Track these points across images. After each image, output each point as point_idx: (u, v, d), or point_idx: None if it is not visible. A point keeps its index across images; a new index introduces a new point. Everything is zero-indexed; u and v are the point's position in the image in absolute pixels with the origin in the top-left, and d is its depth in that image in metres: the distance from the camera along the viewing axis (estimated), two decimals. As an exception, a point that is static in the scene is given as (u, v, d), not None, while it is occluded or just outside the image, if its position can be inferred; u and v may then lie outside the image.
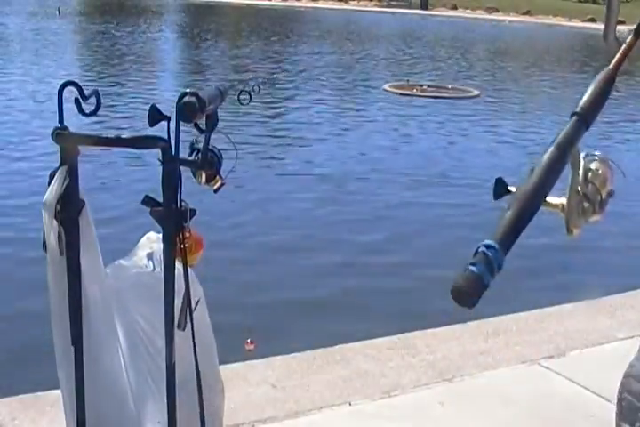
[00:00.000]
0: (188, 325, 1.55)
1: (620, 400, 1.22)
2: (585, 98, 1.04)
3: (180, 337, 1.54)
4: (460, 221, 6.26)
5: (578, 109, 1.03)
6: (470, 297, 0.87)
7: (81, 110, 1.46)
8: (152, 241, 1.65)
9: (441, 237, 5.87)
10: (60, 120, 1.46)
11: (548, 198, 1.01)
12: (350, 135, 9.66)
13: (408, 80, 13.79)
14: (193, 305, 1.55)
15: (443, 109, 11.81)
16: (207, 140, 1.55)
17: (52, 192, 1.45)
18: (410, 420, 2.66)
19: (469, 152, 9.07)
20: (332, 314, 4.33)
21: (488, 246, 0.88)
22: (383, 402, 2.78)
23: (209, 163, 1.55)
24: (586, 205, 1.03)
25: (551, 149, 0.99)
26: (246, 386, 2.83)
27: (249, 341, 3.34)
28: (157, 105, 1.45)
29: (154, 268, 1.62)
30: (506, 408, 2.76)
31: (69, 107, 1.46)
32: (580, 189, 1.02)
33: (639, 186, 7.05)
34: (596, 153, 1.05)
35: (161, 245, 1.53)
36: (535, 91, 14.91)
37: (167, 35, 23.29)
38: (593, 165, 1.04)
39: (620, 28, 12.68)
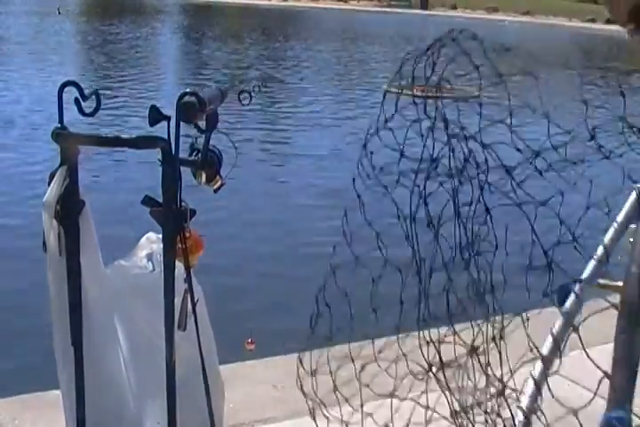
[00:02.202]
0: (189, 325, 1.55)
1: None
2: None
3: (180, 337, 1.54)
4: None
5: None
6: None
7: (81, 110, 1.46)
8: (152, 241, 1.65)
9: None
10: (60, 120, 1.46)
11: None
12: (350, 135, 9.66)
13: (408, 80, 13.80)
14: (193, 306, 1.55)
15: (442, 109, 11.80)
16: (207, 141, 1.55)
17: (52, 192, 1.44)
18: (410, 420, 2.65)
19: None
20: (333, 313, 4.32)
21: (619, 419, 0.79)
22: (383, 402, 2.77)
23: (209, 163, 1.55)
24: None
25: None
26: (246, 386, 2.83)
27: (249, 340, 3.34)
28: (157, 105, 1.45)
29: (154, 268, 1.61)
30: (506, 408, 2.76)
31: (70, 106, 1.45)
32: None
33: None
34: None
35: (161, 246, 1.53)
36: (535, 90, 14.91)
37: (167, 34, 23.28)
38: None
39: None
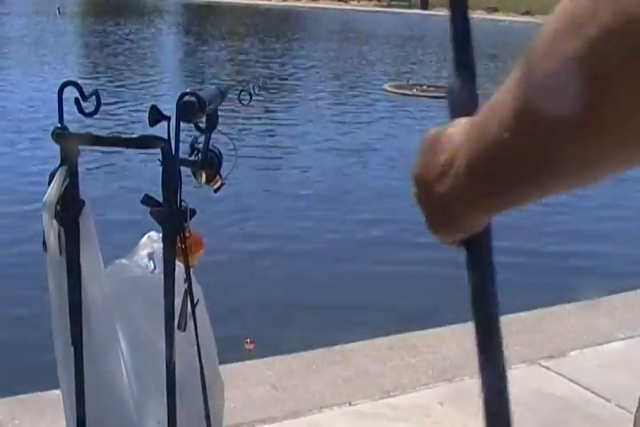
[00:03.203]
0: (189, 325, 1.55)
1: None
2: None
3: (181, 337, 1.54)
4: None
5: None
6: None
7: (81, 110, 1.46)
8: (153, 241, 1.65)
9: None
10: (60, 120, 1.46)
11: None
12: (350, 135, 9.67)
13: (408, 80, 13.81)
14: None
15: (443, 109, 11.81)
16: (207, 141, 1.55)
17: (52, 192, 1.44)
18: (410, 420, 2.66)
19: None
20: (333, 314, 4.33)
21: None
22: (383, 402, 2.78)
23: (209, 163, 1.55)
24: None
25: None
26: (246, 386, 2.83)
27: (248, 340, 3.34)
28: (157, 105, 1.45)
29: (155, 267, 1.61)
30: (506, 408, 2.76)
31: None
32: None
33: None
34: None
35: (162, 245, 1.53)
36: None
37: (167, 34, 23.28)
38: None
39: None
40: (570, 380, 2.96)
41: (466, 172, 0.55)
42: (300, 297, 4.62)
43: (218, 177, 1.58)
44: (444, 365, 3.06)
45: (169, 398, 1.55)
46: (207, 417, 1.61)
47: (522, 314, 3.62)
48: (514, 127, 0.48)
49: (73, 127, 1.48)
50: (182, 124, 1.45)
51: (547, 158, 0.48)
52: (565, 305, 3.79)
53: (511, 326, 3.44)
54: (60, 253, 1.48)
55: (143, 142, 1.46)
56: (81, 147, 1.48)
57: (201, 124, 1.54)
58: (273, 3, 39.05)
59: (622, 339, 3.33)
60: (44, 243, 1.49)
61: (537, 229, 6.01)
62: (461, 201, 0.58)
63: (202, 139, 1.56)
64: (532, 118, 0.47)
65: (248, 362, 3.05)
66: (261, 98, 9.92)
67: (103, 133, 1.52)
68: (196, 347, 1.58)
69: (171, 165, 1.45)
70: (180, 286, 1.53)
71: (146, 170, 6.21)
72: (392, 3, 41.60)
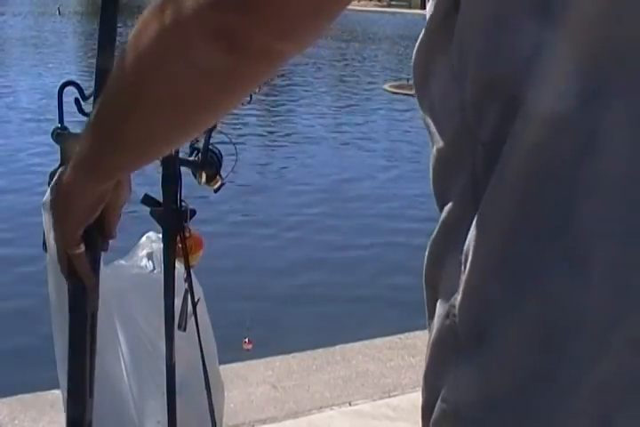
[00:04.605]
0: (189, 325, 1.55)
1: None
2: None
3: (181, 337, 1.54)
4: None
5: None
6: None
7: (81, 110, 1.46)
8: (152, 241, 1.65)
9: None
10: (60, 120, 1.46)
11: None
12: (350, 135, 9.67)
13: (408, 80, 13.82)
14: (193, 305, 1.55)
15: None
16: (207, 140, 1.55)
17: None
18: (410, 420, 2.66)
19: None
20: (333, 314, 4.33)
21: None
22: (383, 402, 2.78)
23: (209, 163, 1.55)
24: None
25: None
26: (246, 386, 2.83)
27: (247, 340, 3.34)
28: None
29: (154, 268, 1.61)
30: (506, 408, 2.76)
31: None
32: None
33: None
34: None
35: (161, 245, 1.53)
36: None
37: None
38: None
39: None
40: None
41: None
42: (300, 297, 4.62)
43: (218, 177, 1.58)
44: (444, 365, 3.06)
45: (169, 399, 1.55)
46: (212, 416, 1.61)
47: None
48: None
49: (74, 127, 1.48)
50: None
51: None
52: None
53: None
54: (60, 253, 1.48)
55: (143, 142, 1.46)
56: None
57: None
58: (273, 2, 39.04)
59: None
60: (44, 243, 1.48)
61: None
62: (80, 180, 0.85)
63: (202, 139, 1.55)
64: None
65: (248, 362, 3.05)
66: (262, 97, 9.92)
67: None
68: (196, 347, 1.58)
69: (171, 165, 1.45)
70: (180, 286, 1.53)
71: (146, 170, 6.20)
72: (392, 3, 41.61)
